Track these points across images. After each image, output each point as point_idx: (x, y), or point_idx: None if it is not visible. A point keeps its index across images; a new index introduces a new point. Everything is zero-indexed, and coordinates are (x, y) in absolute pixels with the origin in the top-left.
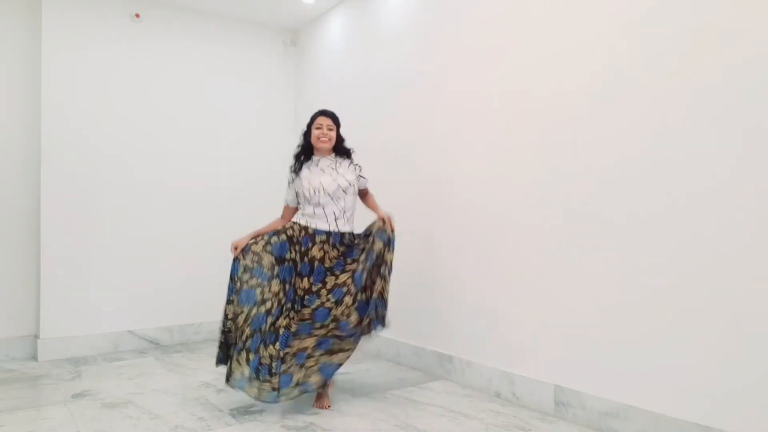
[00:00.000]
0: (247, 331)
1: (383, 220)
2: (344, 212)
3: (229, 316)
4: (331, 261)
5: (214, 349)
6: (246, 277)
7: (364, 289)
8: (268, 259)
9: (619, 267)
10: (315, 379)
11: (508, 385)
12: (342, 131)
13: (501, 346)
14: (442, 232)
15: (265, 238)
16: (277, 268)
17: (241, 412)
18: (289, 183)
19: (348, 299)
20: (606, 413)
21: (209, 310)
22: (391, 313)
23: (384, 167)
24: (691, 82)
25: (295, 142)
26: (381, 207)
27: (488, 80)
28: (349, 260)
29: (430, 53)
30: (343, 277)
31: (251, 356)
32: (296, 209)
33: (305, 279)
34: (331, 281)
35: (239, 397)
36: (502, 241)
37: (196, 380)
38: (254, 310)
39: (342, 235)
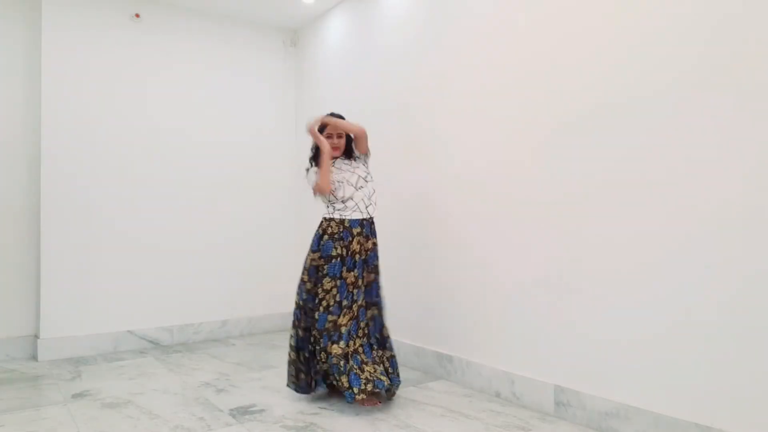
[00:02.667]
0: (315, 333)
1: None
2: (370, 198)
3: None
4: (366, 253)
5: (214, 349)
6: (308, 284)
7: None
8: (316, 261)
9: (620, 268)
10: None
11: (508, 385)
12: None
13: (501, 346)
14: (440, 231)
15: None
16: (326, 267)
17: (241, 412)
18: (309, 171)
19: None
20: (606, 413)
21: (209, 310)
22: (392, 312)
23: (384, 167)
24: (689, 75)
25: (295, 141)
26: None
27: (490, 76)
28: (371, 263)
29: (430, 52)
30: (369, 278)
31: (322, 356)
32: None
33: (351, 273)
34: (366, 278)
35: (239, 397)
36: (502, 242)
37: (196, 380)
38: (316, 313)
39: (371, 221)
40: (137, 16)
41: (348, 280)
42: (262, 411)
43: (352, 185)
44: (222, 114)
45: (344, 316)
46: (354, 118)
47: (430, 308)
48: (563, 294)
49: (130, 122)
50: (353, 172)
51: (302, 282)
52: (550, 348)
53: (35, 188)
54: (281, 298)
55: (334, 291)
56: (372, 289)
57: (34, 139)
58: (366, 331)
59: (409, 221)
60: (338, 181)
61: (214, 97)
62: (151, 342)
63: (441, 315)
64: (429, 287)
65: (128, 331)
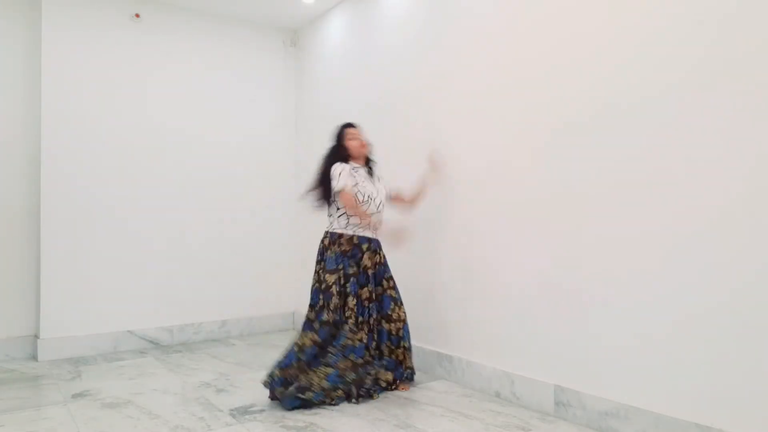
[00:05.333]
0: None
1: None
2: (381, 224)
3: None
4: (375, 267)
5: (214, 349)
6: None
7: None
8: (331, 277)
9: (620, 268)
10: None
11: (508, 385)
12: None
13: (501, 346)
14: (441, 231)
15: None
16: (347, 285)
17: (241, 412)
18: (342, 172)
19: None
20: (606, 413)
21: (209, 310)
22: None
23: (383, 167)
24: (690, 75)
25: (294, 142)
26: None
27: (490, 76)
28: (386, 275)
29: (429, 52)
30: (378, 290)
31: (329, 370)
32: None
33: (365, 288)
34: (376, 290)
35: (239, 397)
36: (502, 242)
37: (196, 380)
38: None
39: (378, 242)
40: (137, 16)
41: (363, 296)
42: (262, 411)
43: (377, 205)
44: (222, 114)
45: (361, 331)
46: (354, 119)
47: (430, 308)
48: (563, 294)
49: (130, 122)
50: (379, 193)
51: (327, 299)
52: (550, 348)
53: (35, 188)
54: (281, 298)
55: (350, 308)
56: (383, 302)
57: (34, 139)
58: (367, 343)
59: (408, 221)
60: (368, 195)
61: (214, 97)
62: (151, 342)
63: (441, 315)
64: (429, 287)
65: (128, 331)
